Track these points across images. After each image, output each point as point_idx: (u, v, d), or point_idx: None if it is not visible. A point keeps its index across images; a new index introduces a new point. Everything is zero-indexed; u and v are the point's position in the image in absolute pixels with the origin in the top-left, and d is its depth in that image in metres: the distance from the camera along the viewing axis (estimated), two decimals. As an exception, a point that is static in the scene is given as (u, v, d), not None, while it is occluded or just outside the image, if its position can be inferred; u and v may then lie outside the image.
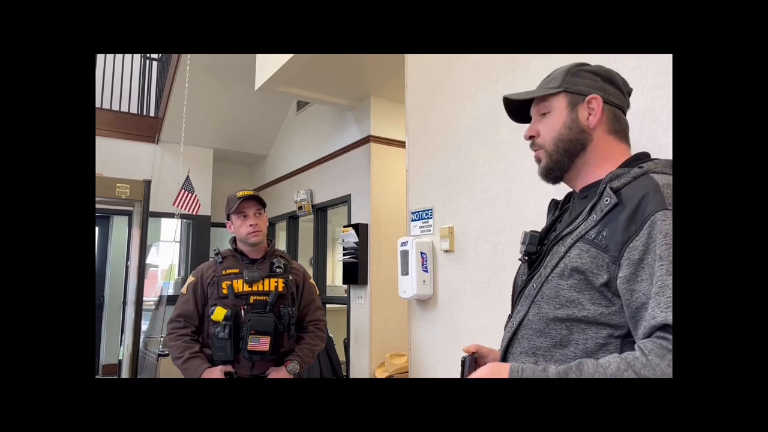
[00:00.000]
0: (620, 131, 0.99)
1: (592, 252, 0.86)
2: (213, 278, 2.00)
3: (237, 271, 2.00)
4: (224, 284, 1.97)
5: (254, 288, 1.98)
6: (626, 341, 0.83)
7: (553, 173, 1.01)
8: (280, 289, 2.01)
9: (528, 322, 0.94)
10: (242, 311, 1.94)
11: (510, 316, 1.03)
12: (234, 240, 2.10)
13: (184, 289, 2.05)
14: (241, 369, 1.94)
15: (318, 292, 2.24)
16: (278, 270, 2.04)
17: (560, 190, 1.15)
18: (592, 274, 0.85)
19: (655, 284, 0.76)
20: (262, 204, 2.06)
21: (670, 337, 0.72)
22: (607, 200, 0.87)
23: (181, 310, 2.01)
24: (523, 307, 0.97)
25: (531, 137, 1.03)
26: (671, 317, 0.72)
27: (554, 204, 1.12)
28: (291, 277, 2.07)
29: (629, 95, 1.04)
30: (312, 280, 2.22)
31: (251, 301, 1.96)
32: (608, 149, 0.97)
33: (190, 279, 2.06)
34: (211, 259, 2.10)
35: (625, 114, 1.02)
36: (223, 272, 2.00)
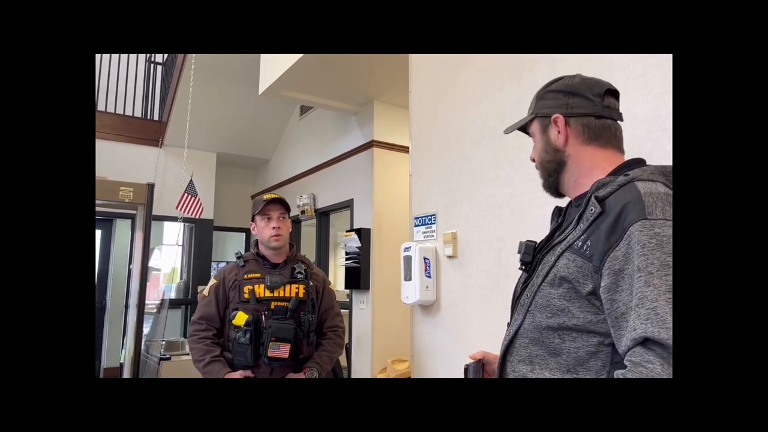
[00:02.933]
0: (597, 138, 0.98)
1: (578, 261, 0.87)
2: (235, 282, 2.01)
3: (259, 275, 2.01)
4: (246, 289, 1.98)
5: (275, 294, 1.99)
6: (617, 350, 0.83)
7: (548, 191, 1.07)
8: (301, 295, 2.02)
9: (524, 330, 0.95)
10: (263, 317, 1.95)
11: (509, 324, 1.03)
12: (256, 243, 2.12)
13: (205, 291, 2.06)
14: (261, 374, 1.95)
15: (338, 298, 2.24)
16: (299, 276, 2.05)
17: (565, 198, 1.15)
18: (579, 283, 0.86)
19: (634, 296, 0.76)
20: (286, 208, 2.09)
21: (650, 356, 0.72)
22: (592, 209, 0.88)
23: (203, 313, 2.02)
24: (519, 315, 0.98)
25: (533, 160, 1.09)
26: (651, 329, 0.72)
27: (557, 211, 1.13)
28: (311, 283, 2.08)
29: (606, 94, 1.00)
30: (332, 286, 2.23)
31: (272, 307, 1.97)
32: (590, 159, 0.98)
33: (212, 281, 2.07)
34: (233, 262, 2.10)
35: (605, 116, 0.98)
36: (245, 276, 2.01)
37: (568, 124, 0.99)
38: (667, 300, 0.73)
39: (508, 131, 1.13)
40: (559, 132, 1.00)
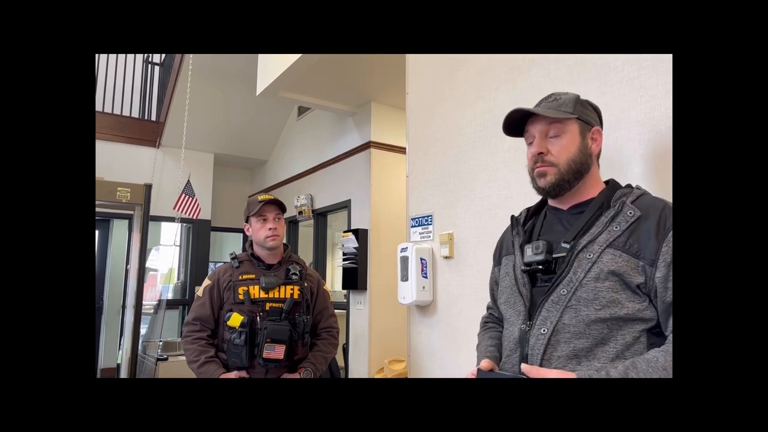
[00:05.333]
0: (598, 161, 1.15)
1: (624, 257, 0.96)
2: (229, 283, 2.01)
3: (253, 276, 2.01)
4: (240, 290, 1.98)
5: (270, 295, 1.99)
6: (651, 333, 0.96)
7: (557, 189, 1.10)
8: (296, 296, 2.02)
9: (564, 326, 0.99)
10: (258, 318, 1.95)
11: (529, 326, 1.03)
12: (251, 244, 2.12)
13: (200, 292, 2.06)
14: (256, 375, 1.95)
15: (332, 299, 2.25)
16: (294, 277, 2.05)
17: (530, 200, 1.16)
18: (629, 276, 0.95)
19: None
20: (282, 209, 2.09)
21: None
22: (631, 212, 1.00)
23: (198, 314, 2.01)
24: (551, 313, 1.00)
25: (540, 153, 1.10)
26: None
27: (516, 220, 1.22)
28: (306, 284, 2.08)
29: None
30: (326, 287, 2.23)
31: (267, 308, 1.97)
32: (597, 175, 1.13)
33: (207, 282, 2.06)
34: (227, 263, 2.10)
35: None
36: (240, 277, 2.01)
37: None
38: None
39: (546, 112, 1.10)
40: (593, 143, 1.11)
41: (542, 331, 1.00)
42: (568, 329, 0.98)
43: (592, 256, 0.99)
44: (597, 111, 1.17)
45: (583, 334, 0.97)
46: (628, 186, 1.10)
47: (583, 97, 1.17)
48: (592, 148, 1.11)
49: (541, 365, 0.99)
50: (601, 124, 1.16)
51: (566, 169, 1.08)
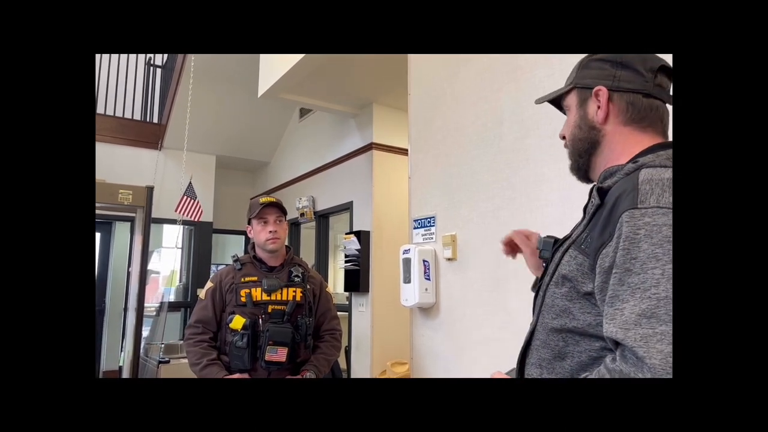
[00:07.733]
0: (640, 119, 0.87)
1: (579, 258, 0.80)
2: (231, 285, 2.01)
3: (256, 279, 2.01)
4: (243, 292, 1.98)
5: (272, 297, 1.99)
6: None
7: (576, 173, 0.96)
8: (298, 298, 2.02)
9: (536, 332, 0.90)
10: (260, 320, 1.95)
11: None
12: (253, 246, 2.12)
13: (202, 295, 2.05)
14: (258, 377, 1.95)
15: (335, 301, 2.24)
16: (296, 279, 2.05)
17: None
18: (578, 282, 0.80)
19: (607, 295, 0.71)
20: (283, 211, 2.09)
21: (613, 366, 0.67)
22: (593, 201, 0.82)
23: (200, 316, 2.01)
24: (534, 316, 0.92)
25: (563, 138, 0.97)
26: (611, 328, 0.68)
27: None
28: (309, 287, 2.08)
29: (659, 71, 0.89)
30: (329, 289, 2.23)
31: (269, 311, 1.97)
32: (624, 143, 0.87)
33: (209, 284, 2.06)
34: (229, 265, 2.10)
35: (654, 96, 0.88)
36: (242, 279, 2.01)
37: (611, 100, 0.87)
38: (644, 297, 0.66)
39: (539, 101, 1.01)
40: (599, 107, 0.88)
41: (527, 335, 0.93)
42: (538, 336, 0.88)
43: (559, 256, 0.86)
44: (612, 61, 0.89)
45: (546, 344, 0.86)
46: (646, 154, 0.82)
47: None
48: (598, 114, 0.88)
49: (521, 371, 0.92)
50: (617, 76, 0.88)
51: (571, 150, 0.93)
